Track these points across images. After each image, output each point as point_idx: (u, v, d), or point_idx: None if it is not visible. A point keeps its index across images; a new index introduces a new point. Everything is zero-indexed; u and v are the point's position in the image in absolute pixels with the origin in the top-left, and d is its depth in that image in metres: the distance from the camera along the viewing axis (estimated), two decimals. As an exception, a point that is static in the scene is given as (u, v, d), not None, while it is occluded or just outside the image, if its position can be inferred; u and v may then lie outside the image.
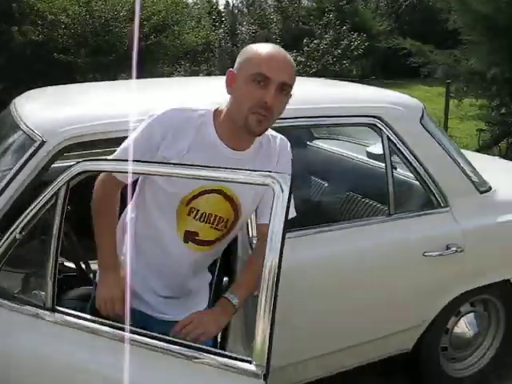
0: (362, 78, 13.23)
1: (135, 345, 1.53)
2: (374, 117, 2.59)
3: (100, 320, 1.64)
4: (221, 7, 21.59)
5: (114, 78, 9.12)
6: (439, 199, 2.70)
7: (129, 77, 8.09)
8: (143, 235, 1.82)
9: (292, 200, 1.47)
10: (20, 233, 1.68)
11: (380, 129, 2.59)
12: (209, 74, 15.18)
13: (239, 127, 1.66)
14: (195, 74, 14.02)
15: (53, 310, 1.64)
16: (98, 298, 1.74)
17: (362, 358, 2.68)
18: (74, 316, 1.65)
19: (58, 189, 1.62)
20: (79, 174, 1.62)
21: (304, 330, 2.32)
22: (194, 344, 1.52)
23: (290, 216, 1.46)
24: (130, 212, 1.88)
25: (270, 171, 1.46)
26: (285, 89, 1.64)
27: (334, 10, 16.18)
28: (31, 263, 2.00)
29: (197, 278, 1.91)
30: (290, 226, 1.47)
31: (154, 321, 1.83)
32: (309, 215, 2.47)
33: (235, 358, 1.42)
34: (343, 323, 2.48)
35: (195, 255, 1.82)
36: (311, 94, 2.71)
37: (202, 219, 1.75)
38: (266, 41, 20.29)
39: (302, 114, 2.40)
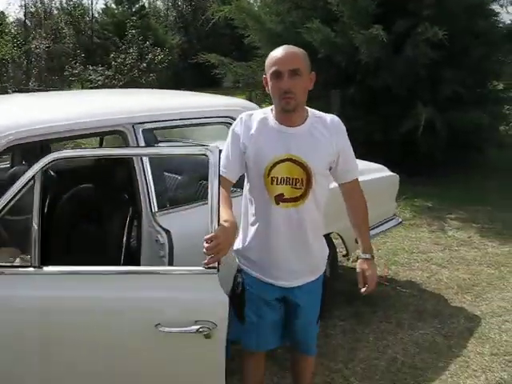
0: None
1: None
2: (227, 117, 3.38)
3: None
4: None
5: None
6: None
7: None
8: (258, 214, 2.45)
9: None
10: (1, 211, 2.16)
11: (233, 126, 3.41)
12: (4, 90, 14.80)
13: (282, 111, 2.32)
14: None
15: (39, 267, 2.17)
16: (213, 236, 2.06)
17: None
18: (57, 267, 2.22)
19: (35, 174, 2.15)
20: (53, 161, 2.17)
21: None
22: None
23: None
24: (243, 200, 2.54)
25: (204, 145, 2.16)
26: (297, 73, 2.25)
27: (140, 27, 16.76)
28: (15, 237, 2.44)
29: (301, 238, 2.46)
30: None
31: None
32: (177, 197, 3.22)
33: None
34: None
35: (289, 212, 2.39)
36: (184, 103, 3.45)
37: (282, 183, 2.35)
38: (61, 54, 19.89)
39: (183, 116, 3.15)
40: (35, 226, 2.14)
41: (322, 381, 3.32)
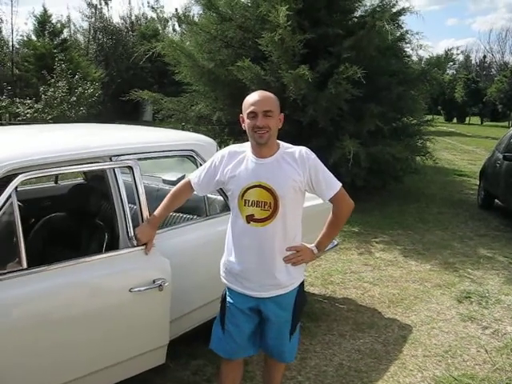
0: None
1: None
2: (190, 150, 3.75)
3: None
4: None
5: None
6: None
7: None
8: (233, 231, 2.87)
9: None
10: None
11: (195, 158, 3.76)
12: None
13: (256, 144, 2.75)
14: None
15: (27, 269, 2.64)
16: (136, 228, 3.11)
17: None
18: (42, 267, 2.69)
19: (10, 194, 2.61)
20: (21, 182, 2.68)
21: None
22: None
23: None
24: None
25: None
26: (269, 114, 2.68)
27: (64, 60, 16.64)
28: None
29: (271, 254, 2.79)
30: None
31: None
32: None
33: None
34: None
35: (259, 231, 2.75)
36: (154, 137, 3.80)
37: (253, 205, 2.75)
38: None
39: (153, 149, 3.48)
40: (19, 233, 2.60)
41: (280, 387, 3.68)
